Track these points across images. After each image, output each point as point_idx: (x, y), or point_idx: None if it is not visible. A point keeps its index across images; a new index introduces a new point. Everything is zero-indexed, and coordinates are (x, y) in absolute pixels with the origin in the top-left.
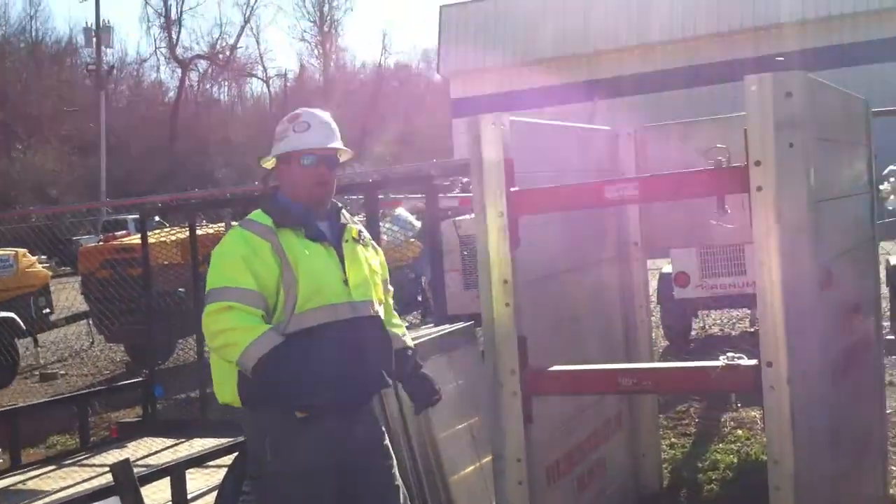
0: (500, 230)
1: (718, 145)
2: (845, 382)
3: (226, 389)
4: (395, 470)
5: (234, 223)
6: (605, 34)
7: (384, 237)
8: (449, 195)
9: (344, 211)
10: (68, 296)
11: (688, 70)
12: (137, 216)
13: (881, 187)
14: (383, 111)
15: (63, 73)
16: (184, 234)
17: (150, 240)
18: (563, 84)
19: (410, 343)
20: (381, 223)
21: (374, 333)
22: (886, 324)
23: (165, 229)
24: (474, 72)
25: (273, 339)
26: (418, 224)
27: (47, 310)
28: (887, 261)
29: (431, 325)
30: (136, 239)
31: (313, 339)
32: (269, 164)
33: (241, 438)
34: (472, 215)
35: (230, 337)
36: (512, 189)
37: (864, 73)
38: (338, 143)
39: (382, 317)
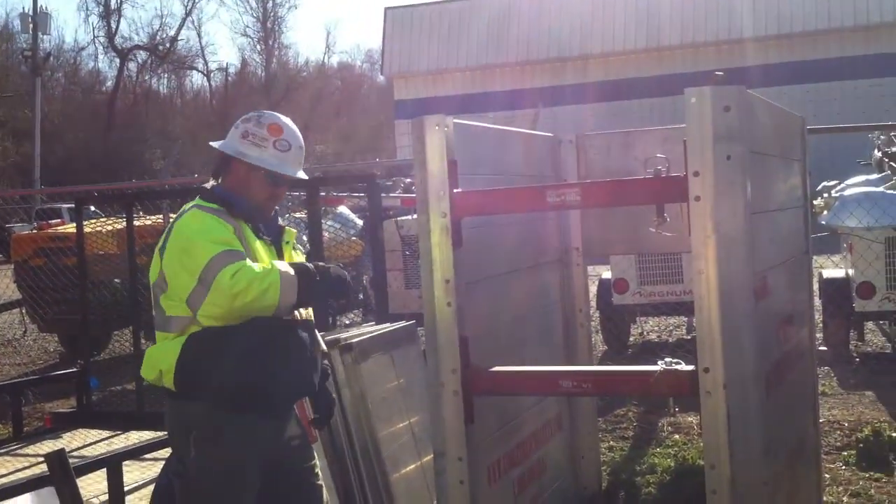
0: (442, 230)
1: (658, 155)
2: (780, 390)
3: (161, 362)
4: (318, 470)
5: (171, 215)
6: (554, 42)
7: (326, 234)
8: (391, 195)
9: (277, 213)
10: (0, 283)
11: (635, 81)
12: (72, 205)
13: (815, 202)
14: (326, 109)
15: None
16: (120, 224)
17: (86, 229)
18: (506, 90)
19: (325, 347)
20: (322, 220)
21: (307, 337)
22: (819, 335)
23: (101, 219)
24: (418, 74)
25: (286, 266)
26: (360, 223)
27: None
28: (821, 274)
29: (373, 323)
30: (70, 228)
31: (251, 332)
32: (223, 149)
33: None
34: (414, 216)
35: (260, 284)
36: (455, 190)
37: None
38: (304, 174)
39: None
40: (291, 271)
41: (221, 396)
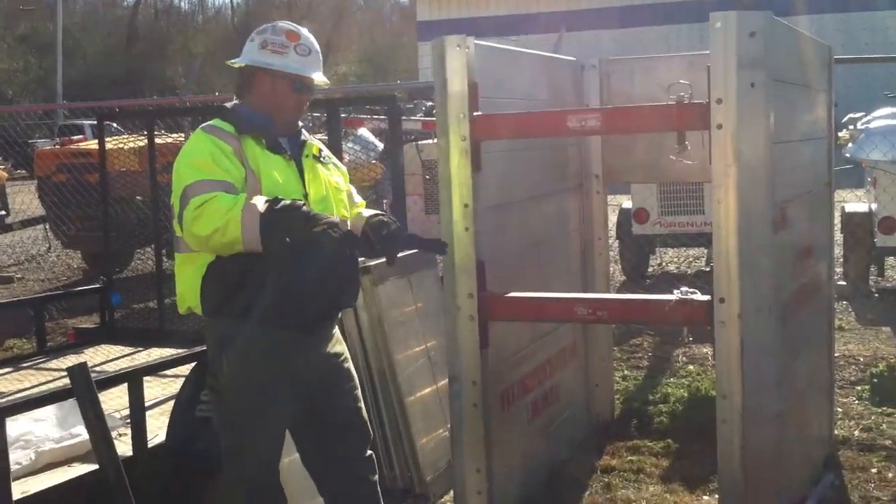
0: (462, 154)
1: (682, 81)
2: (795, 323)
3: (188, 296)
4: (358, 392)
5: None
6: None
7: (346, 156)
8: (412, 118)
9: (303, 130)
10: (24, 199)
11: (664, 7)
12: (95, 121)
13: (840, 134)
14: (348, 29)
15: None
16: (142, 141)
17: (108, 146)
18: (531, 13)
19: (373, 211)
20: (343, 142)
21: (335, 249)
22: (839, 270)
23: (124, 136)
24: None
25: (259, 199)
26: (380, 146)
27: (3, 212)
28: (843, 208)
29: None
30: (93, 144)
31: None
32: (241, 65)
33: (198, 349)
34: (435, 140)
35: (221, 220)
36: (475, 114)
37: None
38: (324, 78)
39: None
40: (260, 207)
41: (250, 314)
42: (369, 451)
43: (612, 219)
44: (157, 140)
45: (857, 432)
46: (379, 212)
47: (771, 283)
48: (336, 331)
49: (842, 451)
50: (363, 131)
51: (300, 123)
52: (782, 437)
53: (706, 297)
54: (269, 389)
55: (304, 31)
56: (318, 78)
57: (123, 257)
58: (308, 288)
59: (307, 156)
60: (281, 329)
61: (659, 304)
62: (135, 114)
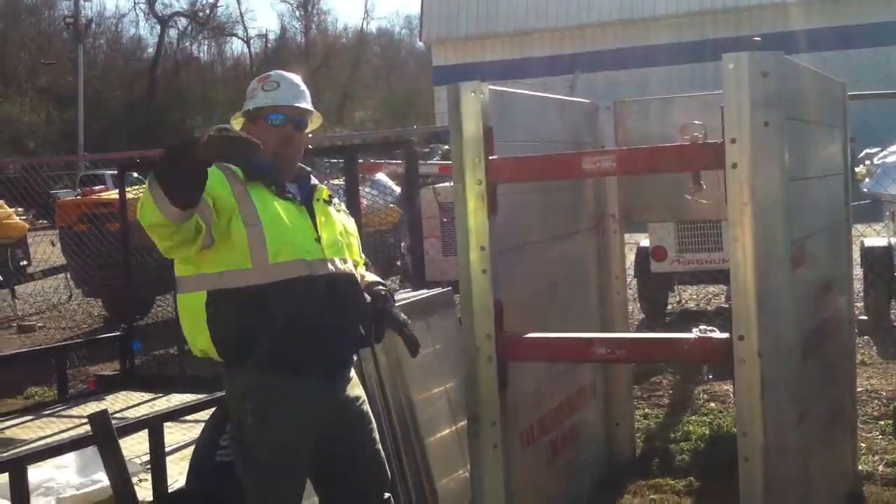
0: (478, 197)
1: (695, 122)
2: (816, 359)
3: (198, 340)
4: (376, 434)
5: None
6: (594, 7)
7: (364, 201)
8: (429, 162)
9: (313, 176)
10: (45, 249)
11: (673, 47)
12: (115, 171)
13: (856, 170)
14: (365, 76)
15: (41, 25)
16: None
17: (129, 195)
18: (545, 56)
19: (375, 278)
20: (360, 187)
21: (352, 290)
22: (859, 304)
23: (144, 185)
24: (457, 40)
25: None
26: (398, 189)
27: (24, 262)
28: (862, 242)
29: (409, 289)
30: (114, 194)
31: (289, 292)
32: (237, 122)
33: (219, 394)
34: (452, 183)
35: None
36: (491, 157)
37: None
38: (306, 104)
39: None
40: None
41: (266, 358)
42: (387, 494)
43: (630, 257)
44: None
45: (881, 467)
46: (378, 280)
47: (791, 320)
48: (353, 374)
49: (866, 486)
50: (380, 176)
51: (307, 169)
52: (805, 474)
53: (725, 335)
54: (293, 441)
55: (280, 71)
56: (289, 103)
57: (144, 304)
58: (323, 333)
59: (318, 200)
60: (301, 378)
61: (677, 343)
62: (155, 163)
